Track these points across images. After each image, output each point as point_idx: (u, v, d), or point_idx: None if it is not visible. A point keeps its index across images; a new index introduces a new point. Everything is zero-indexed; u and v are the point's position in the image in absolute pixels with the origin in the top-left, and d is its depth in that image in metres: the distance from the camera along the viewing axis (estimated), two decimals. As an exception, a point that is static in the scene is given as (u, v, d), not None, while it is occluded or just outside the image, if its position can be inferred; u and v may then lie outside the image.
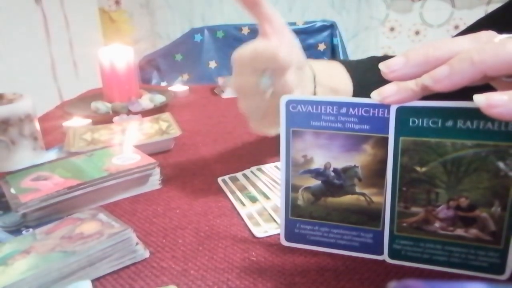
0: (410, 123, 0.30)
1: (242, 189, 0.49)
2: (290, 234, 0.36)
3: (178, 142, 0.66)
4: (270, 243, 0.38)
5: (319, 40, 1.92)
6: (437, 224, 0.31)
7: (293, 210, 0.35)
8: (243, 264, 0.36)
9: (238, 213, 0.44)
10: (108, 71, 0.85)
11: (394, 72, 0.28)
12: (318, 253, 0.36)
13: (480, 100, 0.25)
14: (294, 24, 1.92)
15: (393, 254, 0.33)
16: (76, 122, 0.75)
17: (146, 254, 0.38)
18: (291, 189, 0.35)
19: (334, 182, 0.34)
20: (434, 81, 0.27)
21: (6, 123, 0.57)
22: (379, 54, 2.29)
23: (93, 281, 0.34)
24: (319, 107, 0.32)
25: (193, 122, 0.77)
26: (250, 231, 0.40)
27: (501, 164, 0.28)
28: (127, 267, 0.36)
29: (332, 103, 0.32)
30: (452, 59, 0.26)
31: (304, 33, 1.91)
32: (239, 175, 0.52)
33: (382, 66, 0.29)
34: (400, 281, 0.17)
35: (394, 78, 0.29)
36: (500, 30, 0.29)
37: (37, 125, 0.61)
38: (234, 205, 0.45)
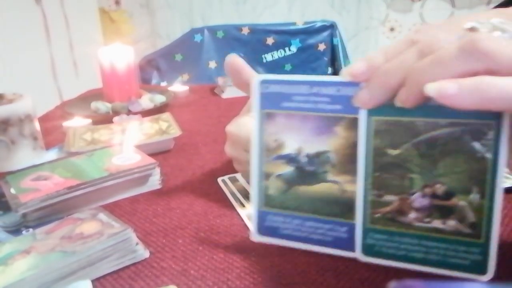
0: None
1: (242, 189, 0.49)
2: (262, 227, 0.35)
3: (178, 142, 0.66)
4: (270, 243, 0.38)
5: (319, 40, 1.92)
6: (412, 215, 0.29)
7: (265, 200, 0.34)
8: (243, 264, 0.36)
9: (238, 213, 0.44)
10: (108, 71, 0.85)
11: (357, 77, 0.29)
12: (318, 253, 0.36)
13: (431, 90, 0.24)
14: (294, 24, 1.92)
15: (366, 250, 0.31)
16: (76, 122, 0.75)
17: (146, 254, 0.38)
18: (263, 176, 0.34)
19: (306, 169, 0.32)
20: (403, 102, 0.27)
21: (6, 123, 0.57)
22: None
23: (93, 281, 0.34)
24: (292, 86, 0.31)
25: (193, 122, 0.77)
26: (250, 231, 0.40)
27: (477, 145, 0.27)
28: (127, 267, 0.36)
29: (303, 82, 0.31)
30: (406, 78, 0.26)
31: (304, 33, 1.91)
32: (239, 175, 0.52)
33: (345, 74, 0.29)
34: (400, 281, 0.17)
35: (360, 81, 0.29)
36: None
37: (37, 125, 0.61)
38: (234, 205, 0.45)
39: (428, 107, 0.27)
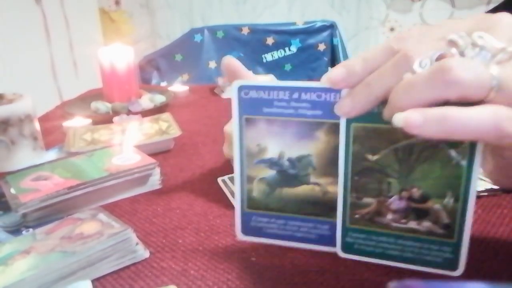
0: None
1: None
2: (246, 227, 0.36)
3: (178, 142, 0.66)
4: (270, 243, 0.38)
5: (319, 40, 1.92)
6: (389, 216, 0.31)
7: (248, 202, 0.35)
8: (243, 264, 0.36)
9: (238, 213, 0.44)
10: (108, 71, 0.85)
11: (337, 85, 0.29)
12: (318, 253, 0.36)
13: (398, 121, 0.25)
14: (294, 24, 1.92)
15: (346, 247, 0.33)
16: (76, 122, 0.75)
17: (146, 254, 0.38)
18: (246, 180, 0.34)
19: (288, 172, 0.33)
20: (387, 119, 0.27)
21: (6, 123, 0.57)
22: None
23: (93, 281, 0.34)
24: (271, 92, 0.31)
25: (193, 122, 0.77)
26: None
27: (452, 153, 0.28)
28: (127, 267, 0.36)
29: (284, 88, 0.31)
30: (391, 94, 0.26)
31: (304, 33, 1.91)
32: (239, 175, 0.52)
33: (324, 80, 0.29)
34: (400, 281, 0.17)
35: (340, 88, 0.29)
36: None
37: (37, 125, 0.61)
38: (234, 205, 0.45)
39: None
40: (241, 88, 0.32)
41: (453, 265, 0.30)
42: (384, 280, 0.32)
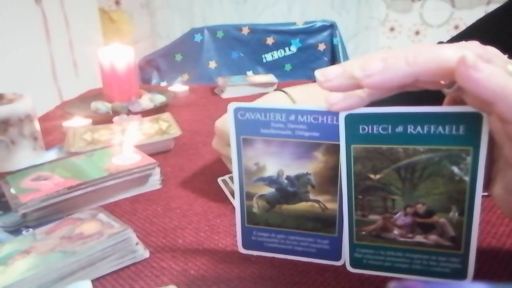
0: (360, 130, 0.29)
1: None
2: (247, 241, 0.36)
3: (178, 142, 0.66)
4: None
5: (319, 40, 1.91)
6: (396, 232, 0.31)
7: (249, 218, 0.35)
8: (243, 264, 0.36)
9: (238, 213, 0.44)
10: (108, 71, 0.85)
11: (329, 81, 0.27)
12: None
13: (316, 73, 0.26)
14: (294, 24, 1.92)
15: (354, 263, 0.33)
16: (76, 122, 0.75)
17: (146, 254, 0.38)
18: (245, 197, 0.35)
19: (287, 190, 0.33)
20: (365, 75, 0.25)
21: (6, 123, 0.57)
22: (379, 54, 2.29)
23: (93, 281, 0.34)
24: (268, 114, 0.32)
25: (193, 122, 0.77)
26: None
27: (455, 169, 0.28)
28: (127, 267, 0.36)
29: (280, 111, 0.31)
30: (387, 55, 0.25)
31: (304, 33, 1.91)
32: (239, 175, 0.52)
33: (318, 74, 0.28)
34: (400, 281, 0.17)
35: (328, 88, 0.28)
36: (499, 30, 0.29)
37: (37, 125, 0.61)
38: (234, 205, 0.45)
39: (407, 135, 0.28)
40: (237, 110, 0.32)
41: (462, 275, 0.30)
42: (384, 280, 0.32)
